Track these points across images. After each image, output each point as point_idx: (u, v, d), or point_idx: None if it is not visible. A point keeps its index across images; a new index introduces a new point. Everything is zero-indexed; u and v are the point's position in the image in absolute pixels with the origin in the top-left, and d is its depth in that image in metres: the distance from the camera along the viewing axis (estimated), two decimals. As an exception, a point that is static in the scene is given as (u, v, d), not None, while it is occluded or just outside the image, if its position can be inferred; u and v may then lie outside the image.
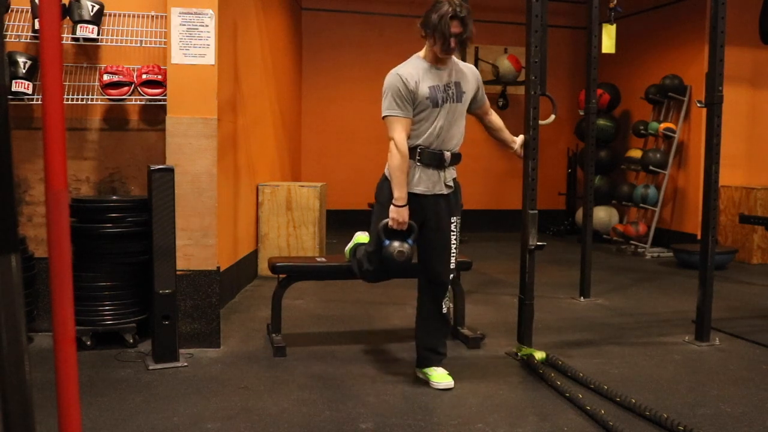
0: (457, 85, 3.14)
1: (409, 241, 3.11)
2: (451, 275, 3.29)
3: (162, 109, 3.77)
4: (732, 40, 4.48)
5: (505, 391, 3.16)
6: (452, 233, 3.23)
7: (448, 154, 3.14)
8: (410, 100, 3.04)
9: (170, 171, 3.38)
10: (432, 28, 3.00)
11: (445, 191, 3.19)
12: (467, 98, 3.20)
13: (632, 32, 8.24)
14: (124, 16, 3.83)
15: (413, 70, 3.08)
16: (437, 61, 3.11)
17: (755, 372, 3.49)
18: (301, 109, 8.71)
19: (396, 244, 3.08)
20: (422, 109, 3.07)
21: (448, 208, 3.21)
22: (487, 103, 3.42)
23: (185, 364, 3.41)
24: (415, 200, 3.12)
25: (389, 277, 3.49)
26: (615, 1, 5.43)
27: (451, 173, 3.21)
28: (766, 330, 4.30)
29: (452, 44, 3.00)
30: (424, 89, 3.05)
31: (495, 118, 3.49)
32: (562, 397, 3.04)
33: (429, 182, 3.14)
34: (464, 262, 4.02)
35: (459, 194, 3.29)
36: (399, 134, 3.04)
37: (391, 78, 3.07)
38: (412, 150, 3.09)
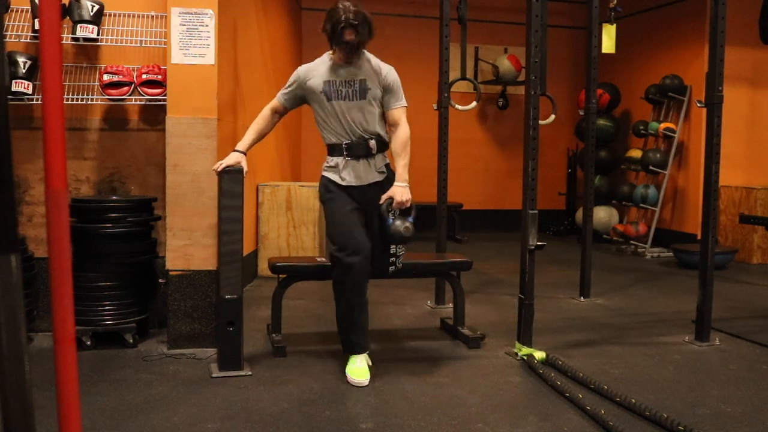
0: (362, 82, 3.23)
1: (410, 219, 3.26)
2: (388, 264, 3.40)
3: (162, 109, 3.77)
4: (732, 40, 4.47)
5: (505, 391, 3.16)
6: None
7: None
8: None
9: (239, 173, 3.27)
10: (328, 37, 3.12)
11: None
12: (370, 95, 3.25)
13: (632, 32, 8.24)
14: (124, 16, 3.83)
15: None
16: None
17: (755, 372, 3.50)
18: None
19: (399, 222, 3.21)
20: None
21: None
22: (394, 113, 3.31)
23: (249, 372, 3.31)
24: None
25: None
26: (615, 1, 5.43)
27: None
28: (766, 330, 4.30)
29: (347, 51, 3.12)
30: None
31: (395, 139, 3.35)
32: (562, 397, 3.04)
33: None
34: (464, 262, 4.02)
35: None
36: None
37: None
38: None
